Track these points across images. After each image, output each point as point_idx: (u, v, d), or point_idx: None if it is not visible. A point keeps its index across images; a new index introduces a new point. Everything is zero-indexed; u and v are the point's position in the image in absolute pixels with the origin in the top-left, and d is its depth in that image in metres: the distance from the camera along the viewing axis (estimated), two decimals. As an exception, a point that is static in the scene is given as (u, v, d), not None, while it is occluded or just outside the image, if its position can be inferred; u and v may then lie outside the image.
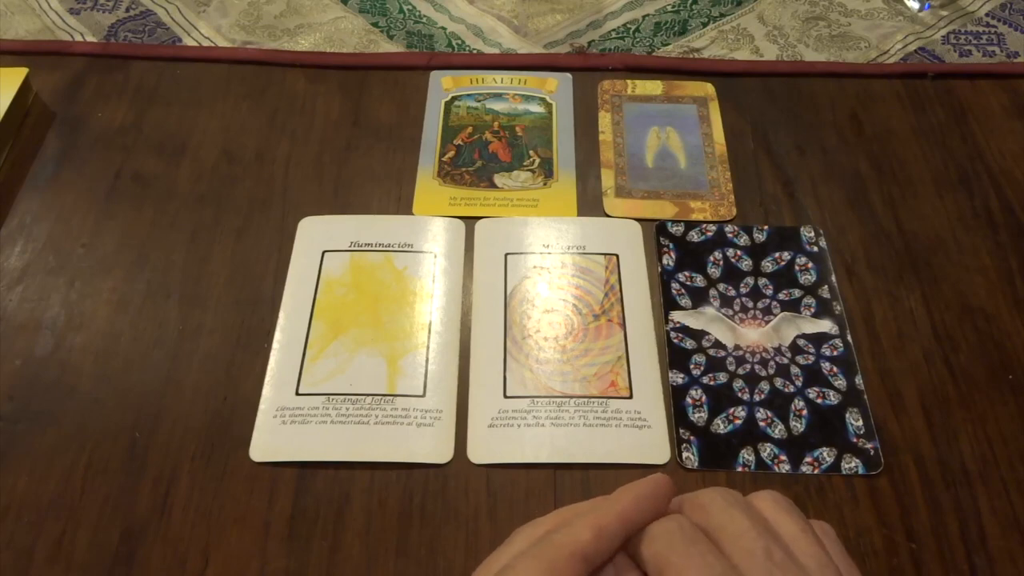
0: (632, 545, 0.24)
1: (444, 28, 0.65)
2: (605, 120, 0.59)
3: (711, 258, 0.51)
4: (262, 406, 0.45)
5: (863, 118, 0.59)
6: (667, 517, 0.24)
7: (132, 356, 0.46)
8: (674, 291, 0.49)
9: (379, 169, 0.55)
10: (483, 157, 0.56)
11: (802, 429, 0.44)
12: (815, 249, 0.51)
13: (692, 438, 0.44)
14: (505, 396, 0.45)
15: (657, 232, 0.52)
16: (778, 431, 0.44)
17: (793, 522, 0.24)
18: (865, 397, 0.45)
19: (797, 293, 0.49)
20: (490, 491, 0.42)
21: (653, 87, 0.61)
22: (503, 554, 0.25)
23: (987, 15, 0.67)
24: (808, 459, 0.43)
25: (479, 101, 0.60)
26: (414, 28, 0.65)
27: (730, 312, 0.49)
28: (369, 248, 0.51)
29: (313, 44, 0.63)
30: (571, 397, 0.45)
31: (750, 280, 0.50)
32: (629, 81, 0.61)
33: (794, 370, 0.46)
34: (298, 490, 0.42)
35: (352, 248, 0.51)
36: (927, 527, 0.41)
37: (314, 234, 0.52)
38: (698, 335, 0.48)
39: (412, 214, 0.53)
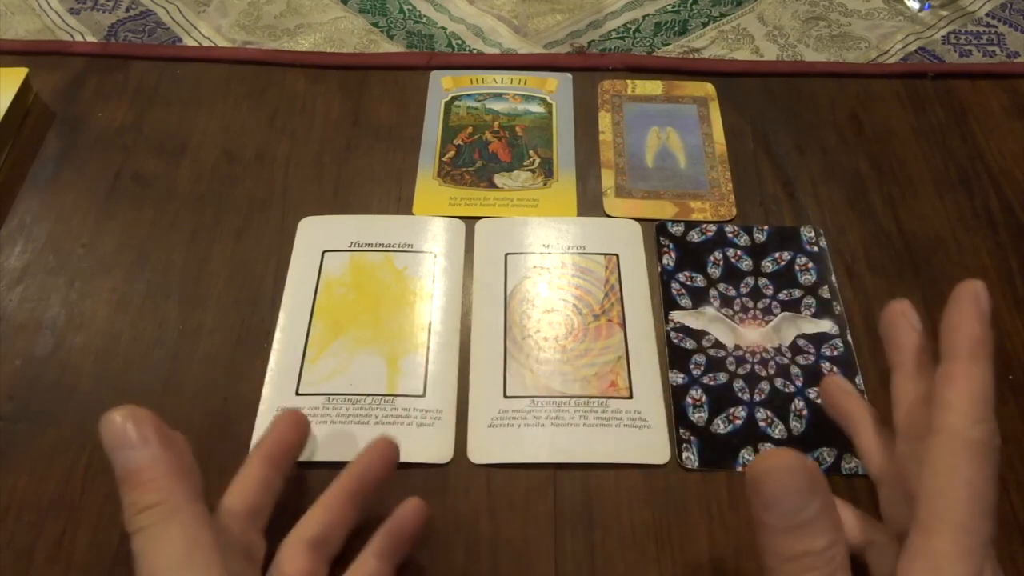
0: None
1: (444, 28, 0.65)
2: (605, 120, 0.59)
3: (711, 258, 0.51)
4: (262, 406, 0.45)
5: (863, 118, 0.59)
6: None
7: (132, 356, 0.46)
8: (674, 291, 0.49)
9: (379, 169, 0.55)
10: (483, 157, 0.56)
11: (802, 429, 0.44)
12: (815, 249, 0.51)
13: (692, 438, 0.44)
14: (505, 396, 0.45)
15: (657, 232, 0.52)
16: (778, 431, 0.44)
17: None
18: (865, 397, 0.45)
19: (797, 293, 0.49)
20: (490, 491, 0.42)
21: (653, 87, 0.61)
22: None
23: (987, 15, 0.67)
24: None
25: (479, 101, 0.60)
26: (414, 28, 0.65)
27: (730, 312, 0.49)
28: (369, 248, 0.51)
29: (313, 44, 0.63)
30: (571, 397, 0.45)
31: (750, 280, 0.50)
32: (629, 81, 0.61)
33: (794, 370, 0.46)
34: (298, 490, 0.42)
35: (352, 248, 0.51)
36: (927, 527, 0.41)
37: (314, 234, 0.52)
38: (698, 335, 0.48)
39: (412, 214, 0.53)
